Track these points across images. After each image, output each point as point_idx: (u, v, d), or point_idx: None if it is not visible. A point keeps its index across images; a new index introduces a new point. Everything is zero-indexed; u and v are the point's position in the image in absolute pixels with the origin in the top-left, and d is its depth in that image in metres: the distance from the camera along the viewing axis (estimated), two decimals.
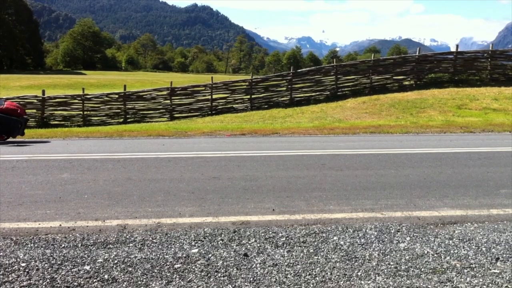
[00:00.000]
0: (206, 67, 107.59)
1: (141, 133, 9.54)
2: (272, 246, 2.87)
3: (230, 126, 10.90)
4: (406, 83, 17.20)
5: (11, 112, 8.02)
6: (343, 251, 2.79)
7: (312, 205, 3.77)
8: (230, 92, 16.97)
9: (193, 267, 2.55)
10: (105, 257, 2.68)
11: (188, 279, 2.41)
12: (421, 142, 7.58)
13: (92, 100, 16.42)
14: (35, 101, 15.98)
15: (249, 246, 2.87)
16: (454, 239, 3.01)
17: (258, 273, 2.48)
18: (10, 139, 8.34)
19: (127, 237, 3.03)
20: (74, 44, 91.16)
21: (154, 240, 2.97)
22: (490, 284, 2.36)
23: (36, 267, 2.54)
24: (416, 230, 3.19)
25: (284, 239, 3.00)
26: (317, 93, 17.09)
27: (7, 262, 2.61)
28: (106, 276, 2.43)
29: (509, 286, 2.35)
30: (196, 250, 2.80)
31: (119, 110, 16.45)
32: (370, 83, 17.12)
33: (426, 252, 2.78)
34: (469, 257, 2.71)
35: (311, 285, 2.34)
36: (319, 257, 2.69)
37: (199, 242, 2.94)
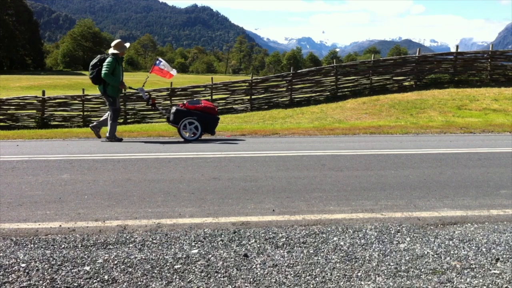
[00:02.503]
0: (206, 67, 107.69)
1: (141, 133, 9.55)
2: (272, 247, 2.87)
3: (230, 127, 10.90)
4: (406, 83, 17.20)
5: (209, 111, 8.20)
6: (343, 251, 2.79)
7: (312, 206, 3.77)
8: (230, 93, 16.98)
9: (193, 268, 2.55)
10: (105, 258, 2.68)
11: (188, 280, 2.41)
12: (421, 143, 7.58)
13: (92, 100, 16.43)
14: (35, 101, 15.99)
15: (249, 247, 2.87)
16: (454, 239, 3.01)
17: (258, 273, 2.48)
18: (209, 136, 8.54)
19: (127, 237, 3.03)
20: (74, 45, 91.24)
21: (154, 241, 2.97)
22: (490, 285, 2.36)
23: (36, 268, 2.54)
24: (416, 230, 3.19)
25: (284, 239, 2.99)
26: (317, 93, 17.10)
27: (7, 262, 2.61)
28: (106, 277, 2.43)
29: (509, 287, 2.35)
30: (196, 251, 2.80)
31: None
32: (370, 84, 17.13)
33: (426, 252, 2.78)
34: (469, 258, 2.71)
35: (311, 286, 2.34)
36: (319, 258, 2.69)
37: (199, 242, 2.94)
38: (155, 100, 8.74)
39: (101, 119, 8.49)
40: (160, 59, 8.74)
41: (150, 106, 8.75)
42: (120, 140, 8.21)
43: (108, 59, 7.93)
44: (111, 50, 8.12)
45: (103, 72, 7.83)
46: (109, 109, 8.24)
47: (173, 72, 8.66)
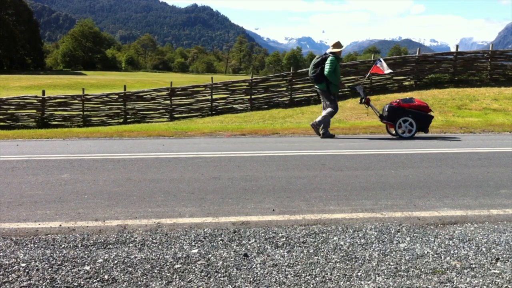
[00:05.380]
0: (206, 67, 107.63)
1: (141, 133, 9.55)
2: (272, 247, 2.87)
3: (230, 127, 10.90)
4: (406, 83, 17.20)
5: (423, 109, 8.26)
6: (343, 251, 2.79)
7: (312, 205, 3.77)
8: (230, 93, 16.97)
9: (193, 268, 2.55)
10: (105, 257, 2.68)
11: (188, 280, 2.41)
12: (421, 142, 7.58)
13: (92, 100, 16.44)
14: (35, 101, 16.01)
15: (249, 247, 2.87)
16: (454, 239, 3.01)
17: (258, 273, 2.48)
18: (422, 134, 8.58)
19: (127, 237, 3.03)
20: (74, 45, 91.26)
21: (154, 241, 2.97)
22: (490, 285, 2.36)
23: (36, 267, 2.54)
24: (416, 230, 3.19)
25: (284, 239, 2.99)
26: (317, 93, 17.09)
27: (7, 262, 2.61)
28: (106, 276, 2.43)
29: (509, 287, 2.35)
30: (196, 251, 2.80)
31: (119, 111, 16.47)
32: (370, 84, 17.12)
33: (426, 252, 2.79)
34: (469, 258, 2.71)
35: (311, 285, 2.34)
36: (319, 258, 2.69)
37: (199, 242, 2.94)
38: (369, 100, 8.87)
39: (318, 119, 8.40)
40: (381, 59, 8.91)
41: (364, 104, 8.86)
42: (332, 136, 8.38)
43: (331, 58, 8.09)
44: (331, 50, 8.31)
45: (326, 70, 8.03)
46: (330, 106, 8.37)
47: (388, 71, 8.78)
